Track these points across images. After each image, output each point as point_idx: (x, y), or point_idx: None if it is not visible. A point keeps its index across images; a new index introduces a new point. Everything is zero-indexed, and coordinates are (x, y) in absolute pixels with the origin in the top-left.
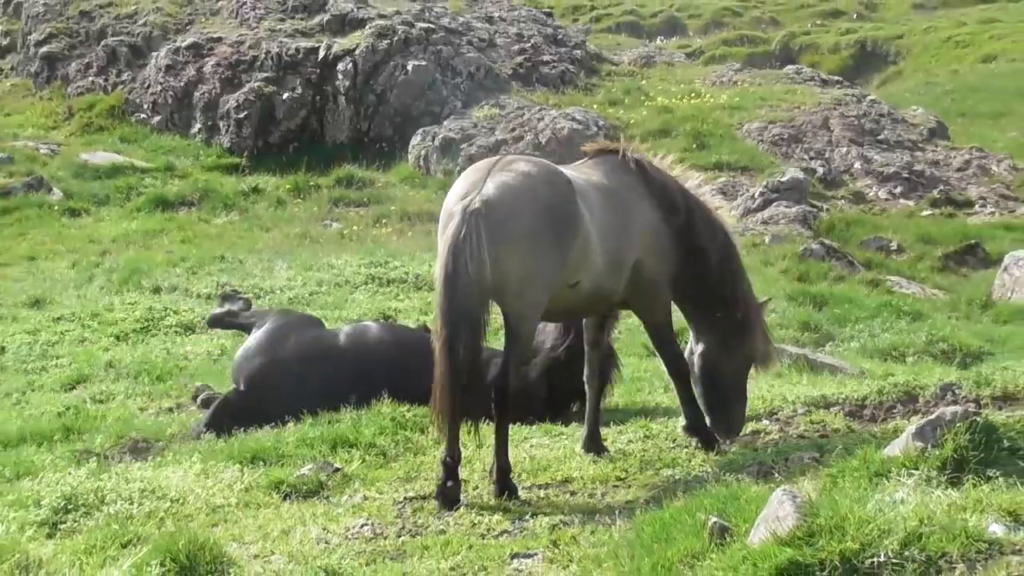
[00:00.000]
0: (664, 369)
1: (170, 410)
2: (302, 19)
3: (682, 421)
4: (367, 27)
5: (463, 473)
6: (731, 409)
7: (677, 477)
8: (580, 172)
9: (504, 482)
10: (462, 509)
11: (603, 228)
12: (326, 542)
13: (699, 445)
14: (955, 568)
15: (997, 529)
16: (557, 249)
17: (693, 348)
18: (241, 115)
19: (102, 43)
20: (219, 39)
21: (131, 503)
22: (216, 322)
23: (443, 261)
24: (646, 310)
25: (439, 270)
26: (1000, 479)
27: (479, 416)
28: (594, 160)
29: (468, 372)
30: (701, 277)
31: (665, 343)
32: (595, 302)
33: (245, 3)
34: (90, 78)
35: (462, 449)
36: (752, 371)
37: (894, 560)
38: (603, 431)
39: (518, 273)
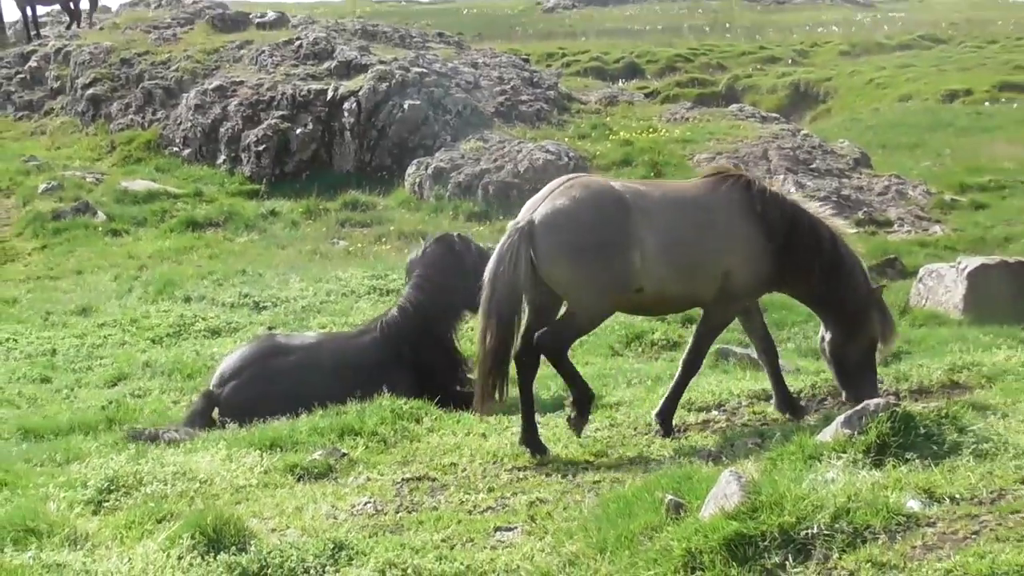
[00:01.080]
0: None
1: None
2: (313, 65)
3: (659, 406)
4: (369, 72)
5: (453, 457)
6: (861, 386)
7: (638, 460)
8: (668, 191)
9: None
10: (451, 488)
11: (672, 242)
12: (334, 517)
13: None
14: (878, 539)
15: (914, 505)
16: (601, 262)
17: (823, 335)
18: (260, 148)
19: (140, 86)
20: (241, 82)
21: (165, 484)
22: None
23: (489, 266)
24: (713, 312)
25: (486, 273)
26: (917, 461)
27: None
28: (703, 180)
29: (498, 351)
30: (809, 282)
31: (702, 342)
32: (676, 303)
33: (263, 51)
34: (129, 116)
35: (452, 436)
36: (879, 347)
37: (826, 532)
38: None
39: (565, 282)
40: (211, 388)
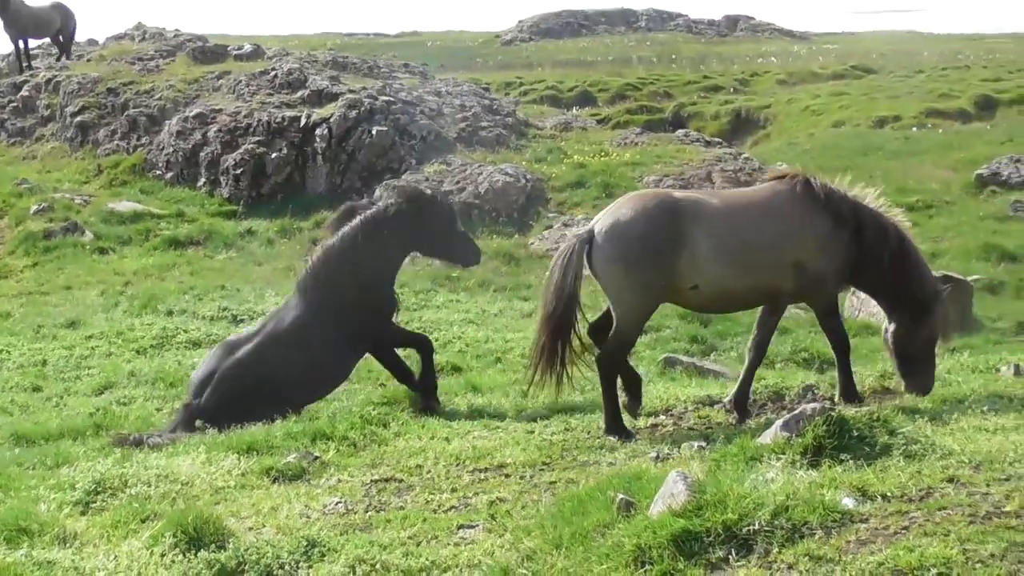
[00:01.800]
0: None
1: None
2: (287, 94)
3: (838, 390)
4: (340, 100)
5: (419, 460)
6: (921, 375)
7: (591, 462)
8: (729, 196)
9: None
10: (417, 489)
11: (729, 241)
12: (307, 517)
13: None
14: (815, 534)
15: (848, 502)
16: (655, 265)
17: (886, 327)
18: (238, 171)
19: (125, 114)
20: (220, 110)
21: (149, 486)
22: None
23: (551, 267)
24: (812, 300)
25: (548, 273)
26: (851, 462)
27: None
28: (767, 183)
29: (554, 336)
30: (877, 273)
31: (829, 326)
32: (747, 296)
33: (241, 81)
34: (115, 142)
35: (418, 440)
36: (939, 340)
37: (766, 528)
38: (530, 426)
39: (615, 286)
40: (189, 400)
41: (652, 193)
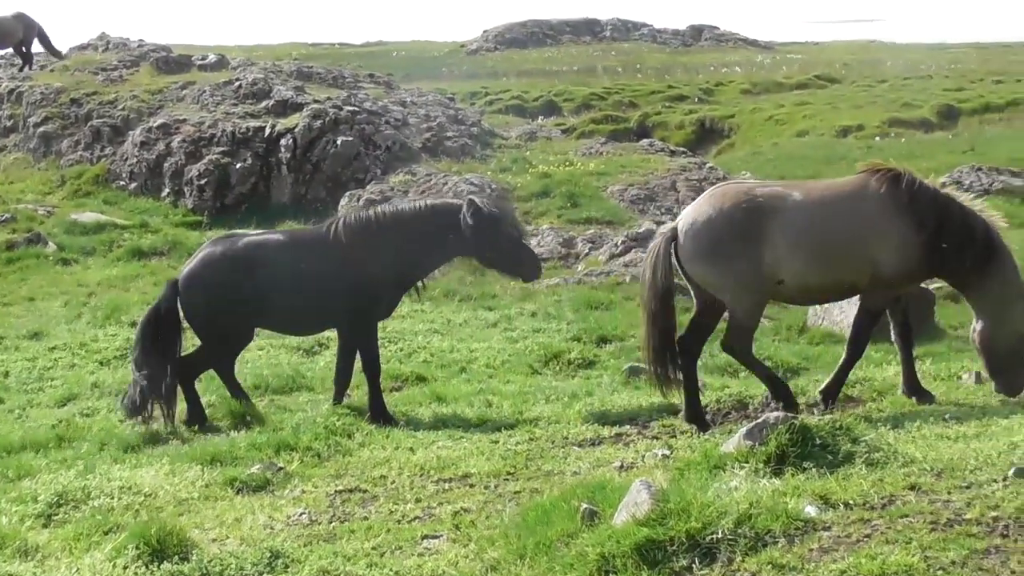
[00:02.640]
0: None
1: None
2: (251, 104)
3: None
4: (304, 110)
5: (383, 470)
6: (1009, 374)
7: (556, 472)
8: (812, 190)
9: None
10: (381, 499)
11: (807, 237)
12: (271, 528)
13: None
14: (778, 542)
15: (811, 510)
16: (738, 260)
17: (974, 326)
18: (202, 181)
19: (88, 124)
20: (184, 120)
21: (112, 498)
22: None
23: (642, 267)
24: (871, 299)
25: (641, 272)
26: (813, 470)
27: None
28: (854, 176)
29: (660, 334)
30: (962, 271)
31: (863, 325)
32: (826, 291)
33: (205, 92)
34: (79, 152)
35: (382, 450)
36: None
37: (730, 536)
38: (494, 436)
39: (709, 281)
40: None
41: (733, 188)
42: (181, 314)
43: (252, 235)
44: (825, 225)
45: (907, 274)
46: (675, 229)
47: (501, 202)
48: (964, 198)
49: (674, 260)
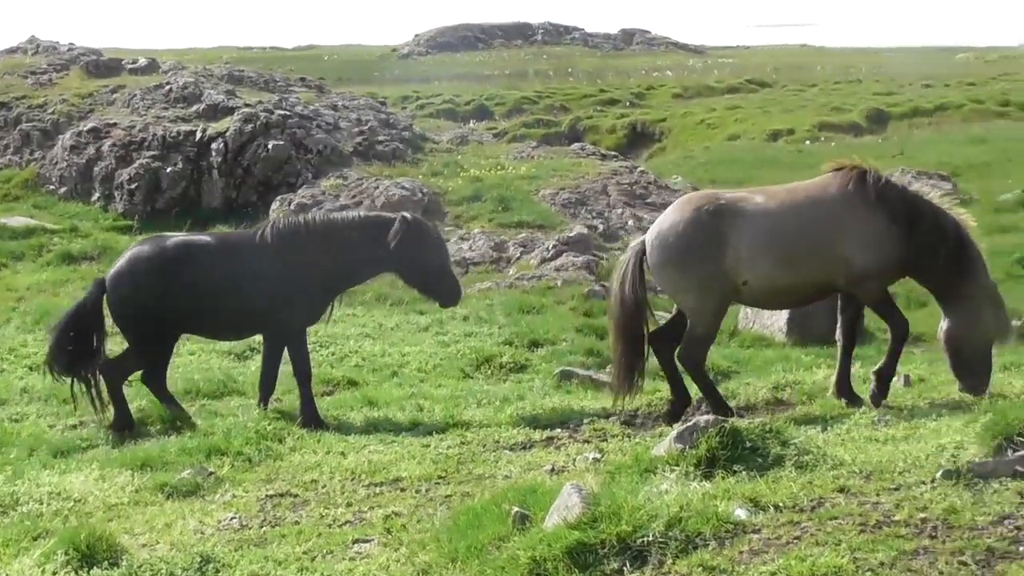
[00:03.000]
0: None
1: (74, 427)
2: (182, 108)
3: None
4: (235, 114)
5: (314, 474)
6: (974, 374)
7: (487, 475)
8: (776, 193)
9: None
10: (312, 504)
11: (772, 238)
12: (202, 532)
13: (874, 389)
14: (708, 545)
15: (741, 513)
16: (702, 265)
17: (943, 325)
18: (133, 186)
19: (18, 128)
20: (114, 124)
21: (41, 503)
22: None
23: (612, 279)
24: (862, 294)
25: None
26: (744, 473)
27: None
28: (820, 177)
29: (628, 348)
30: (931, 269)
31: (886, 315)
32: (798, 291)
33: (135, 95)
34: (8, 156)
35: (313, 455)
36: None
37: (660, 539)
38: (425, 440)
39: (671, 287)
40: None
41: (697, 195)
42: (107, 314)
43: (181, 236)
44: (790, 226)
45: (883, 269)
46: (643, 242)
47: (430, 226)
48: (933, 195)
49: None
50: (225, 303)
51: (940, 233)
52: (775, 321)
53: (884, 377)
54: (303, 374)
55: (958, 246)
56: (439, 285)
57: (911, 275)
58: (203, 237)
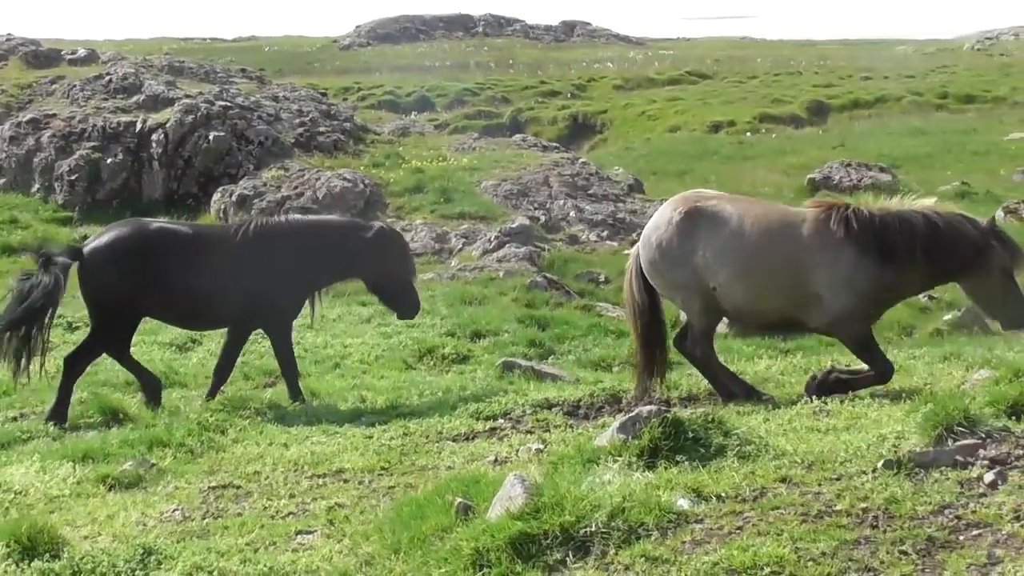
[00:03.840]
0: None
1: (14, 419)
2: (122, 99)
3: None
4: (176, 105)
5: (257, 466)
6: (1010, 307)
7: (430, 466)
8: (750, 206)
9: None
10: (255, 495)
11: (735, 251)
12: (144, 524)
13: (814, 383)
14: (651, 535)
15: (684, 503)
16: (678, 266)
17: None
18: (73, 177)
19: None
20: (54, 115)
21: None
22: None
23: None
24: (843, 337)
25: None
26: (686, 463)
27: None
28: (805, 209)
29: (643, 343)
30: (919, 268)
31: (869, 361)
32: (762, 315)
33: (75, 86)
34: None
35: (256, 446)
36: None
37: (603, 530)
38: (368, 431)
39: (660, 286)
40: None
41: (680, 196)
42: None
43: (164, 222)
44: (751, 241)
45: (857, 311)
46: (638, 243)
47: (402, 240)
48: (901, 203)
49: None
50: (203, 292)
51: (909, 237)
52: None
53: (835, 385)
54: (288, 369)
55: (930, 235)
56: (402, 297)
57: (917, 290)
58: (186, 227)
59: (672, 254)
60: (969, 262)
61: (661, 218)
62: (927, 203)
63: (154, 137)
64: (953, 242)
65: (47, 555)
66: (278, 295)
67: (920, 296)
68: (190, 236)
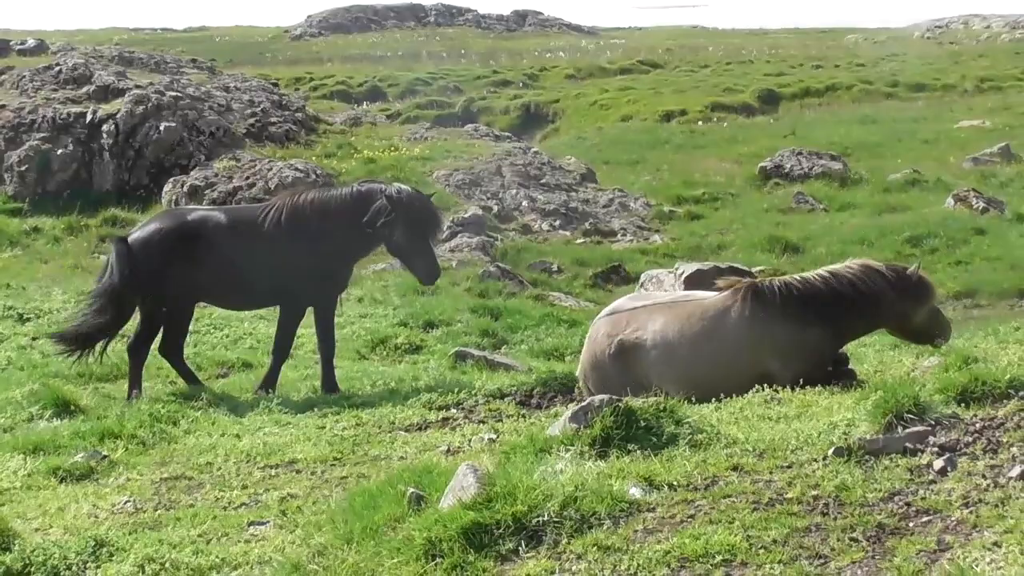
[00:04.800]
0: None
1: None
2: (72, 89)
3: None
4: (126, 95)
5: (209, 457)
6: (937, 327)
7: (383, 456)
8: (673, 321)
9: None
10: (207, 486)
11: (678, 370)
12: (96, 516)
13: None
14: (603, 524)
15: (636, 492)
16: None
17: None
18: (23, 168)
19: None
20: (3, 106)
21: None
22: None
23: None
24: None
25: None
26: (638, 452)
27: None
28: (720, 298)
29: None
30: (863, 323)
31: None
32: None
33: (24, 77)
34: None
35: (208, 437)
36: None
37: (555, 519)
38: (321, 422)
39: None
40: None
41: (605, 322)
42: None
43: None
44: (690, 353)
45: (815, 366)
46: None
47: (415, 202)
48: (820, 272)
49: None
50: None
51: (835, 295)
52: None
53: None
54: (329, 345)
55: (852, 289)
56: (414, 261)
57: (859, 334)
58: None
59: (617, 382)
60: (890, 310)
61: (597, 347)
62: (838, 267)
63: (104, 128)
64: (876, 297)
65: None
66: (325, 272)
67: None
68: (231, 219)
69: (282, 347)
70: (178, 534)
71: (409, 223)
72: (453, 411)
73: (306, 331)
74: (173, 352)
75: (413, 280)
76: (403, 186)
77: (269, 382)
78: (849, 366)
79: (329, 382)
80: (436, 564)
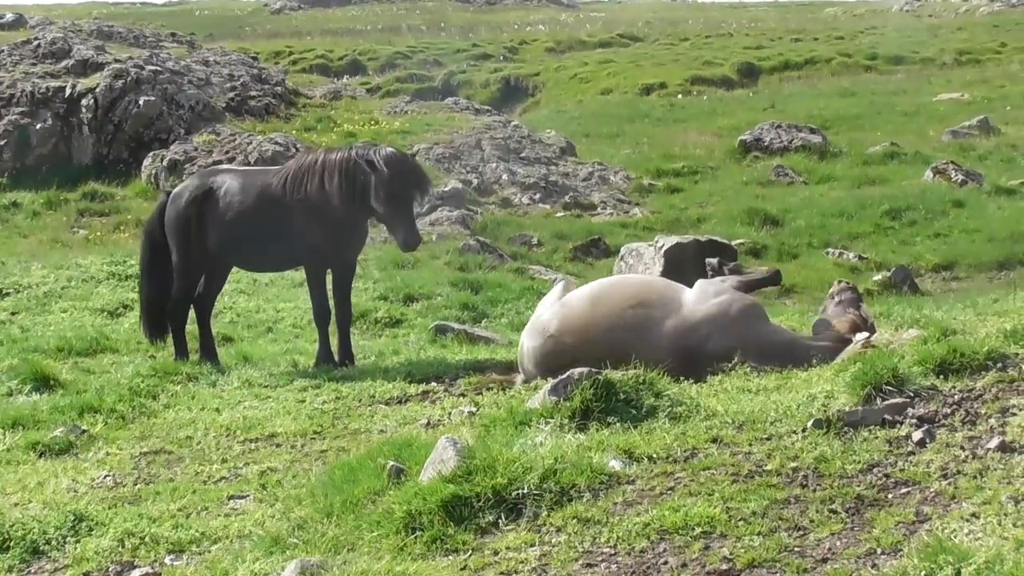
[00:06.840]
0: None
1: None
2: (51, 64)
3: None
4: (105, 70)
5: (189, 431)
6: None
7: (362, 430)
8: None
9: None
10: (187, 460)
11: None
12: (75, 491)
13: None
14: (583, 496)
15: (616, 464)
16: None
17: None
18: (2, 143)
19: None
20: None
21: None
22: None
23: None
24: None
25: None
26: (618, 424)
27: None
28: None
29: None
30: None
31: None
32: None
33: (2, 51)
34: None
35: (188, 411)
36: None
37: (535, 492)
38: (301, 395)
39: None
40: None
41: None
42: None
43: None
44: None
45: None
46: None
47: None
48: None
49: None
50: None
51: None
52: (649, 273)
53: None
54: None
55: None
56: (398, 222)
57: None
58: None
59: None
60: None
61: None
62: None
63: (84, 102)
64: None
65: None
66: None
67: (850, 256)
68: (255, 180)
69: (318, 314)
70: (158, 508)
71: (391, 184)
72: (433, 384)
73: (287, 304)
74: (201, 307)
75: (393, 254)
76: (390, 148)
77: (323, 355)
78: None
79: (345, 350)
80: (416, 537)
